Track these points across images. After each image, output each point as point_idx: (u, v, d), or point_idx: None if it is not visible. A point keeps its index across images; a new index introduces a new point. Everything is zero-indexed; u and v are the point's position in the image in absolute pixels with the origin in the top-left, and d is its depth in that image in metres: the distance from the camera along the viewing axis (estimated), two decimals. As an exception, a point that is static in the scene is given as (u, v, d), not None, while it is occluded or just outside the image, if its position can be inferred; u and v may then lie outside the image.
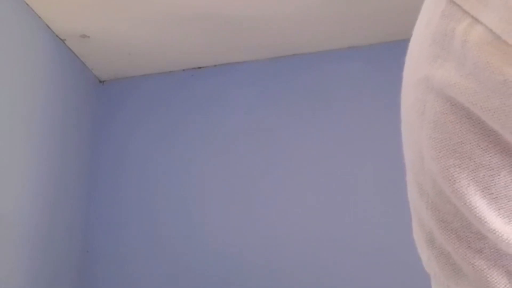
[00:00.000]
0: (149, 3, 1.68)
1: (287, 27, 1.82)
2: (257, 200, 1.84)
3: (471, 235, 0.29)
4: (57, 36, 1.83)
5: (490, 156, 0.27)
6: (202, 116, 1.99)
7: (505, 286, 0.28)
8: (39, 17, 1.72)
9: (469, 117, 0.27)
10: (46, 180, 1.71)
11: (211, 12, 1.72)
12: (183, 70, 2.08)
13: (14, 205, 1.54)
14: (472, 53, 0.26)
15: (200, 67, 2.07)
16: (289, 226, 1.78)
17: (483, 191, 0.27)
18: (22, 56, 1.62)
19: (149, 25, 1.80)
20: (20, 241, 1.56)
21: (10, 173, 1.53)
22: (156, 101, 2.06)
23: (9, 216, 1.51)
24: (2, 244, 1.47)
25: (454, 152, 0.28)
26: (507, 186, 0.27)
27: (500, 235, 0.27)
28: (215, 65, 2.05)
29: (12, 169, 1.54)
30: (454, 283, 0.31)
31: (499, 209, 0.27)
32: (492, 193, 0.27)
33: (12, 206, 1.53)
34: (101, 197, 1.98)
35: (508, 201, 0.27)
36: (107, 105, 2.10)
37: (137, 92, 2.10)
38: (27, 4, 1.66)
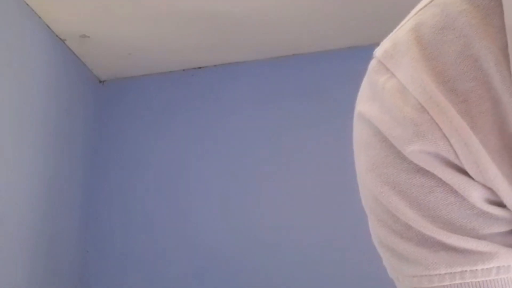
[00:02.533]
0: (149, 3, 1.68)
1: (287, 27, 1.82)
2: (257, 200, 1.84)
3: (401, 228, 0.38)
4: (57, 36, 1.83)
5: (407, 163, 0.36)
6: (202, 116, 1.99)
7: (433, 260, 0.37)
8: (39, 17, 1.72)
9: (386, 138, 0.37)
10: (46, 180, 1.71)
11: (211, 12, 1.72)
12: (183, 70, 2.08)
13: (14, 205, 1.54)
14: (387, 96, 0.36)
15: (200, 67, 2.07)
16: (289, 225, 1.78)
17: (404, 191, 0.36)
18: (22, 56, 1.62)
19: (149, 25, 1.80)
20: (20, 241, 1.56)
21: (10, 173, 1.53)
22: (156, 101, 2.06)
23: (8, 216, 1.51)
24: (1, 244, 1.47)
25: (382, 163, 0.37)
26: (422, 185, 0.36)
27: (420, 224, 0.36)
28: (215, 65, 2.05)
29: (11, 169, 1.54)
30: (400, 270, 0.39)
31: (418, 205, 0.36)
32: (412, 193, 0.36)
33: (11, 206, 1.53)
34: (101, 197, 1.98)
35: (424, 197, 0.36)
36: (107, 105, 2.10)
37: (137, 92, 2.10)
38: (27, 4, 1.66)
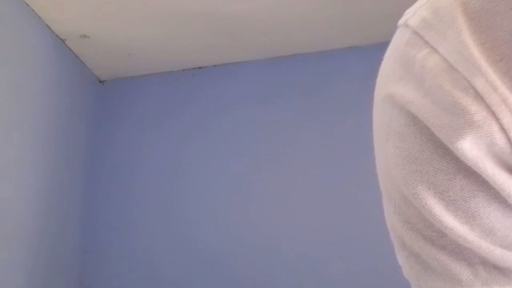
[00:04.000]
0: (149, 3, 1.68)
1: (287, 27, 1.82)
2: (257, 200, 1.84)
3: (433, 234, 0.33)
4: (57, 36, 1.83)
5: (447, 162, 0.31)
6: (202, 116, 1.99)
7: (467, 276, 0.32)
8: (39, 17, 1.72)
9: (427, 128, 0.31)
10: (45, 180, 1.71)
11: (211, 12, 1.72)
12: (183, 70, 2.08)
13: (14, 205, 1.54)
14: (428, 77, 0.30)
15: (200, 67, 2.07)
16: (289, 225, 1.78)
17: (441, 193, 0.31)
18: (22, 56, 1.62)
19: (149, 25, 1.80)
20: (20, 241, 1.56)
21: (10, 173, 1.53)
22: (156, 101, 2.06)
23: (9, 216, 1.51)
24: (1, 244, 1.47)
25: (416, 159, 0.32)
26: (462, 188, 0.31)
27: (457, 232, 0.31)
28: (215, 65, 2.05)
29: (11, 169, 1.54)
30: (424, 280, 0.34)
31: (456, 210, 0.31)
32: (450, 196, 0.31)
33: (12, 206, 1.53)
34: (101, 197, 1.98)
35: (464, 203, 0.31)
36: (107, 105, 2.10)
37: (137, 92, 2.10)
38: (27, 4, 1.66)
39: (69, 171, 1.88)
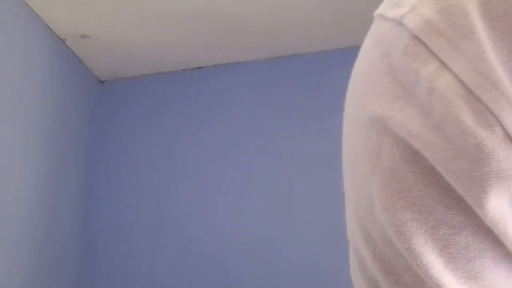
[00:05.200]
0: (149, 3, 1.68)
1: (287, 27, 1.82)
2: (257, 200, 1.84)
3: None
4: (57, 36, 1.83)
5: (453, 214, 0.24)
6: (202, 116, 1.99)
7: None
8: (39, 17, 1.72)
9: (432, 168, 0.24)
10: (45, 180, 1.71)
11: (211, 12, 1.72)
12: (183, 70, 2.08)
13: (14, 205, 1.54)
14: (439, 104, 0.22)
15: (200, 67, 2.07)
16: (289, 225, 1.78)
17: (441, 249, 0.25)
18: (22, 56, 1.62)
19: (149, 25, 1.80)
20: (20, 241, 1.56)
21: (9, 173, 1.53)
22: (156, 101, 2.06)
23: (8, 216, 1.51)
24: (1, 244, 1.47)
25: (413, 206, 0.25)
26: (467, 246, 0.24)
27: None
28: (215, 65, 2.05)
29: (11, 169, 1.54)
30: None
31: (455, 269, 0.25)
32: (451, 253, 0.25)
33: (11, 206, 1.53)
34: (101, 197, 1.98)
35: (467, 262, 0.25)
36: (107, 105, 2.10)
37: (137, 92, 2.10)
38: (27, 4, 1.66)
39: (68, 170, 1.88)
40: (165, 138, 2.00)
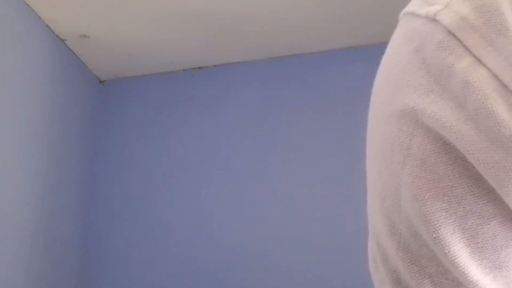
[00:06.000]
0: (149, 3, 1.68)
1: (287, 27, 1.82)
2: (257, 200, 1.84)
3: (446, 282, 0.27)
4: (57, 36, 1.83)
5: (483, 204, 0.25)
6: (202, 116, 1.99)
7: None
8: (39, 17, 1.72)
9: (464, 159, 0.25)
10: (45, 180, 1.71)
11: (211, 12, 1.72)
12: (183, 70, 2.08)
13: (14, 205, 1.54)
14: (473, 97, 0.23)
15: (200, 67, 2.07)
16: (288, 225, 1.78)
17: (468, 239, 0.25)
18: (22, 56, 1.62)
19: (149, 25, 1.80)
20: (20, 241, 1.56)
21: (10, 173, 1.53)
22: (156, 101, 2.07)
23: (8, 216, 1.51)
24: (1, 244, 1.47)
25: (443, 196, 0.25)
26: (495, 236, 0.25)
27: (478, 285, 0.26)
28: (215, 65, 2.05)
29: (11, 169, 1.54)
30: None
31: (482, 259, 0.26)
32: (478, 242, 0.25)
33: (11, 206, 1.53)
34: (101, 197, 1.98)
35: (493, 252, 0.25)
36: (107, 105, 2.11)
37: (137, 92, 2.10)
38: (27, 4, 1.66)
39: (68, 170, 1.88)
40: (165, 138, 2.00)
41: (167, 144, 1.99)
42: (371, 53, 2.19)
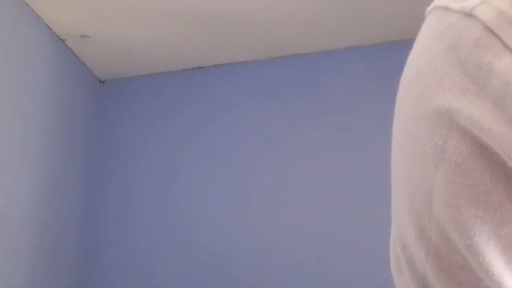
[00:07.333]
0: (149, 3, 1.68)
1: (287, 27, 1.82)
2: (257, 200, 1.84)
3: None
4: (57, 36, 1.83)
5: None
6: (202, 116, 1.99)
7: None
8: (39, 17, 1.72)
9: (502, 164, 0.23)
10: (45, 180, 1.71)
11: (211, 12, 1.72)
12: (183, 70, 2.08)
13: (14, 205, 1.54)
14: None
15: (200, 67, 2.07)
16: (288, 225, 1.78)
17: (504, 247, 0.24)
18: (22, 56, 1.62)
19: (149, 25, 1.80)
20: (20, 241, 1.56)
21: (10, 173, 1.53)
22: (156, 101, 2.06)
23: (8, 216, 1.51)
24: (2, 244, 1.47)
25: (479, 202, 0.24)
26: None
27: None
28: (215, 65, 2.05)
29: (11, 169, 1.54)
30: None
31: None
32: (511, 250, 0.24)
33: (11, 206, 1.53)
34: (101, 197, 1.98)
35: None
36: (107, 105, 2.11)
37: (137, 92, 2.10)
38: (27, 4, 1.66)
39: (69, 171, 1.88)
40: (165, 137, 2.00)
41: (167, 144, 1.99)
42: (371, 53, 2.20)
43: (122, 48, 1.94)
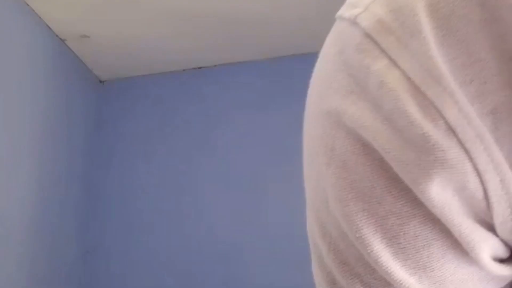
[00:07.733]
0: (149, 3, 1.68)
1: (287, 27, 1.82)
2: (257, 200, 1.84)
3: (375, 282, 0.27)
4: (57, 36, 1.83)
5: (401, 204, 0.25)
6: (202, 116, 1.99)
7: None
8: (39, 17, 1.72)
9: (381, 160, 0.25)
10: (45, 180, 1.71)
11: (211, 12, 1.72)
12: (183, 70, 2.08)
13: (14, 205, 1.54)
14: (388, 98, 0.24)
15: (200, 67, 2.07)
16: (289, 225, 1.78)
17: (390, 239, 0.26)
18: (22, 56, 1.62)
19: (149, 25, 1.80)
20: (20, 241, 1.56)
21: (10, 173, 1.53)
22: (156, 101, 2.07)
23: (8, 216, 1.51)
24: (1, 244, 1.47)
25: (364, 196, 0.26)
26: (416, 236, 0.25)
27: (404, 285, 0.26)
28: (215, 65, 2.05)
29: (11, 169, 1.54)
30: None
31: (405, 260, 0.26)
32: (400, 243, 0.25)
33: (11, 206, 1.53)
34: (101, 197, 1.98)
35: (416, 253, 0.25)
36: (107, 105, 2.11)
37: (137, 92, 2.10)
38: (27, 4, 1.66)
39: (68, 170, 1.88)
40: (165, 137, 2.00)
41: (167, 144, 1.99)
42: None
43: (122, 48, 1.94)
